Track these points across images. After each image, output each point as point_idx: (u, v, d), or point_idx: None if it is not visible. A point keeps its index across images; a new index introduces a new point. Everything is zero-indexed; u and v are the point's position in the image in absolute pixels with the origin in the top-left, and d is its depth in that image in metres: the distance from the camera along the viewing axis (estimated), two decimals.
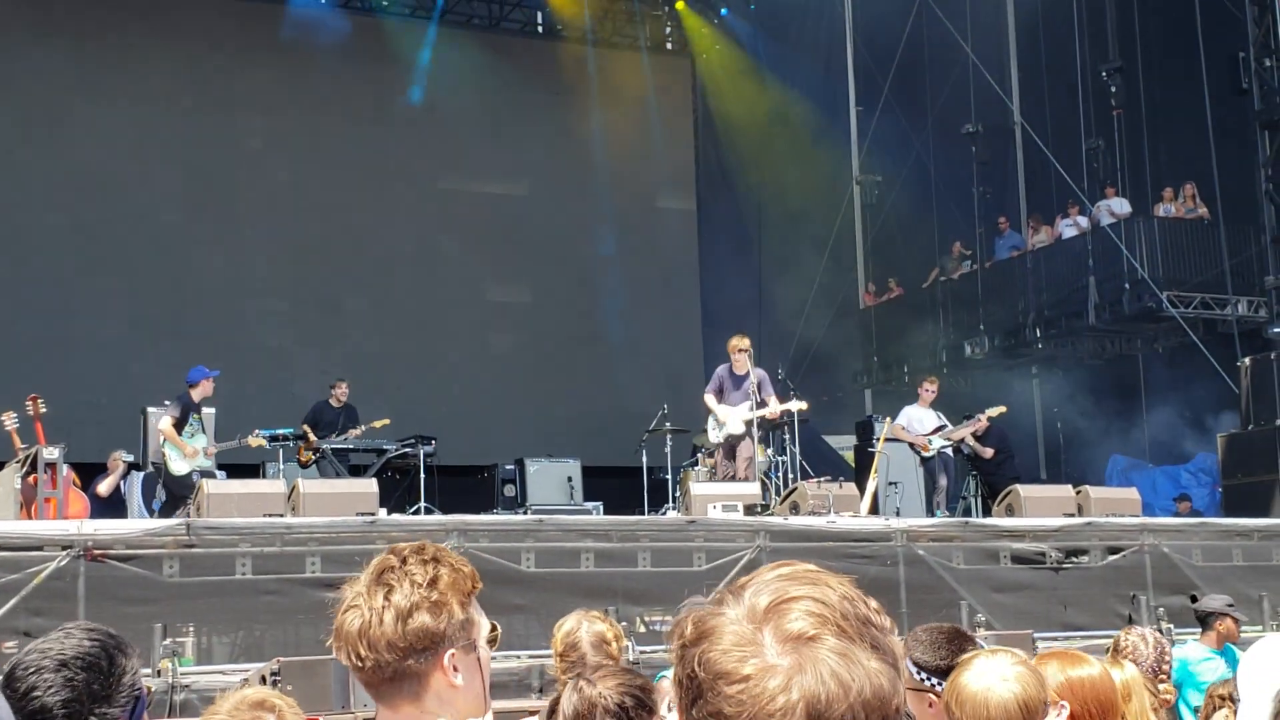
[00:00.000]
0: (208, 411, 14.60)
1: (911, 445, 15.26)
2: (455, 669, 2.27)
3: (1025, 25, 22.22)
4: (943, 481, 15.03)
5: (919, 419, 15.34)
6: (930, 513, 14.31)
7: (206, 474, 12.53)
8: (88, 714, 2.43)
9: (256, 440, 13.51)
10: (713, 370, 14.17)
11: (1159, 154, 20.07)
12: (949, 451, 15.28)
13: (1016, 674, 3.05)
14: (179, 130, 20.45)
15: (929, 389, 15.52)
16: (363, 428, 14.21)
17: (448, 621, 2.26)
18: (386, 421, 14.73)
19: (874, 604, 1.45)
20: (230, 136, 20.93)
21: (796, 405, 13.80)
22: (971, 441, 15.67)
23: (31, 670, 2.44)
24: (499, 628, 2.40)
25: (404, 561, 2.31)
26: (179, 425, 12.74)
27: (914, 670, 3.58)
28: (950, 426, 15.30)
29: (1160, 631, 10.77)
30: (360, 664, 2.26)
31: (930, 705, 3.48)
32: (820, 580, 1.43)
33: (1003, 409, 15.32)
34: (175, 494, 12.68)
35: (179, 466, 12.71)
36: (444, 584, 2.29)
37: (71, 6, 20.02)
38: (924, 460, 15.23)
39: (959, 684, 3.08)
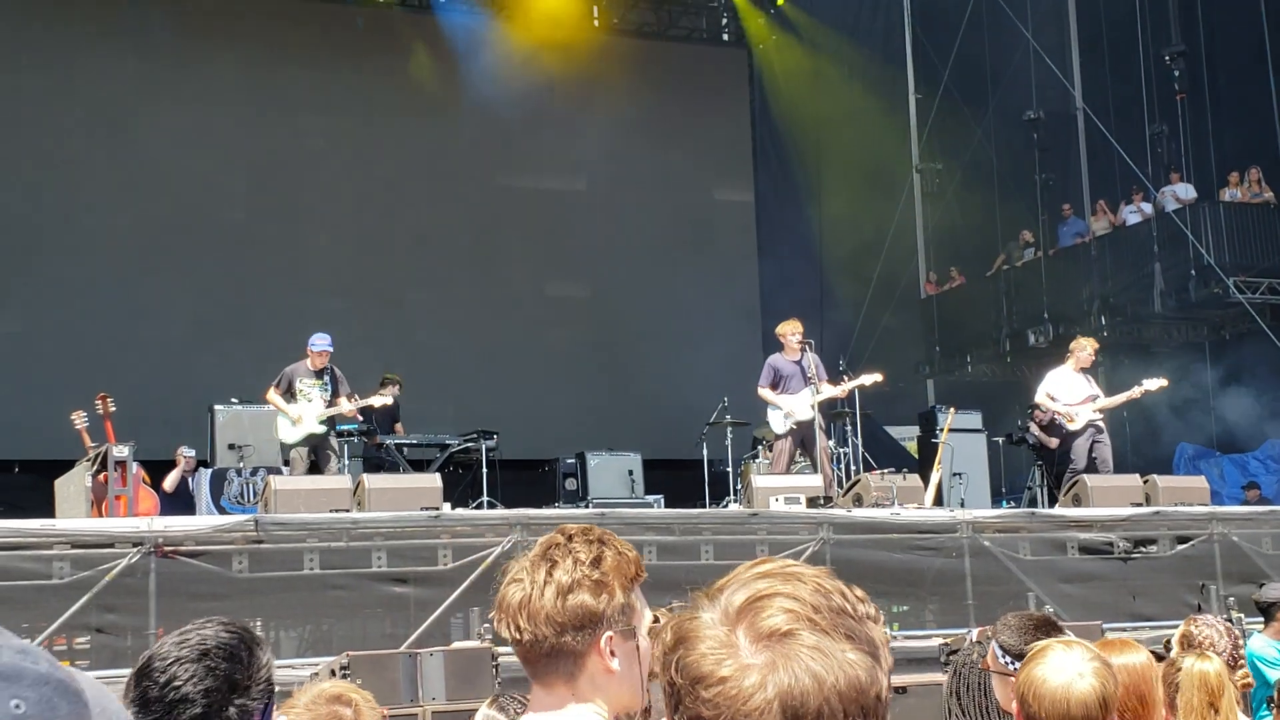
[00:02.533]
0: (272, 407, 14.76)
1: (1055, 419, 13.82)
2: (612, 653, 2.26)
3: (1086, 10, 21.99)
4: (1081, 464, 13.33)
5: (1067, 386, 13.64)
6: (1053, 500, 13.16)
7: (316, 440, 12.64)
8: (228, 704, 2.43)
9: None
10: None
11: (1223, 138, 19.81)
12: (1101, 424, 13.58)
13: (1094, 669, 3.05)
14: (242, 131, 20.66)
15: (1085, 353, 13.65)
16: (359, 401, 13.55)
17: (608, 603, 2.26)
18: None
19: (855, 593, 1.44)
20: (292, 136, 21.12)
21: (870, 378, 13.34)
22: (1037, 431, 15.48)
23: (171, 660, 2.43)
24: (662, 620, 2.38)
25: (569, 539, 2.32)
26: (286, 394, 12.73)
27: (1000, 653, 3.60)
28: (1103, 396, 13.77)
29: (1230, 621, 10.67)
30: (519, 636, 2.27)
31: (1013, 689, 3.48)
32: (794, 575, 1.43)
33: (1164, 382, 13.87)
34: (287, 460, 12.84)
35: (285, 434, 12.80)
36: (607, 565, 2.29)
37: (136, 10, 20.25)
38: (1067, 434, 13.68)
39: (1034, 677, 3.06)
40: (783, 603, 1.39)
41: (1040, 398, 13.91)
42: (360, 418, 13.88)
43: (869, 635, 1.40)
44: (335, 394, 12.82)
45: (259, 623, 9.10)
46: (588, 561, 2.28)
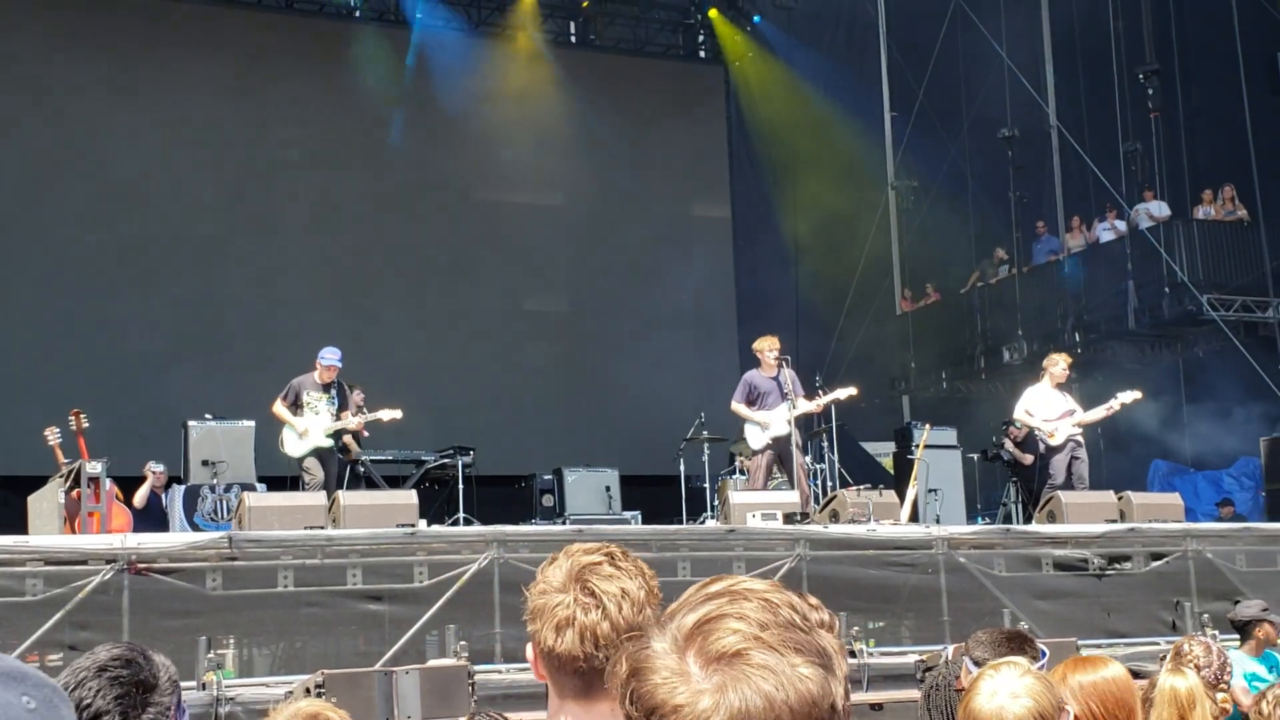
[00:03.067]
0: (247, 423, 14.72)
1: (1029, 436, 13.64)
2: None
3: (1061, 28, 22.12)
4: (1060, 480, 13.29)
5: (1044, 402, 13.63)
6: (1029, 517, 13.14)
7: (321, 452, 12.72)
8: (142, 707, 2.46)
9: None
10: None
11: (1197, 156, 19.94)
12: (1080, 438, 13.57)
13: (1026, 687, 3.03)
14: (216, 144, 20.59)
15: (1059, 368, 13.65)
16: (365, 416, 13.57)
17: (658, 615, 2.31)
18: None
19: (808, 602, 1.44)
20: (267, 150, 21.07)
21: (844, 392, 13.31)
22: (1012, 448, 15.51)
23: (73, 686, 2.46)
24: None
25: (613, 559, 2.35)
26: (293, 407, 12.74)
27: (972, 668, 3.61)
28: (1080, 411, 13.69)
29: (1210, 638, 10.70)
30: (596, 653, 2.25)
31: None
32: (740, 594, 1.43)
33: (1138, 395, 13.80)
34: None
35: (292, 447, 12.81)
36: (655, 582, 2.35)
37: (110, 21, 20.19)
38: (1049, 450, 13.55)
39: (971, 710, 3.06)
40: (730, 624, 1.39)
41: (1019, 414, 13.91)
42: (368, 433, 13.88)
43: (819, 646, 1.40)
44: (342, 408, 12.87)
45: (232, 640, 9.04)
46: (649, 576, 2.35)
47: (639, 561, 2.37)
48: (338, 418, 12.79)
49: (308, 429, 12.66)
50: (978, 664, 3.63)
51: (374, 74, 21.61)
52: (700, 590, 1.46)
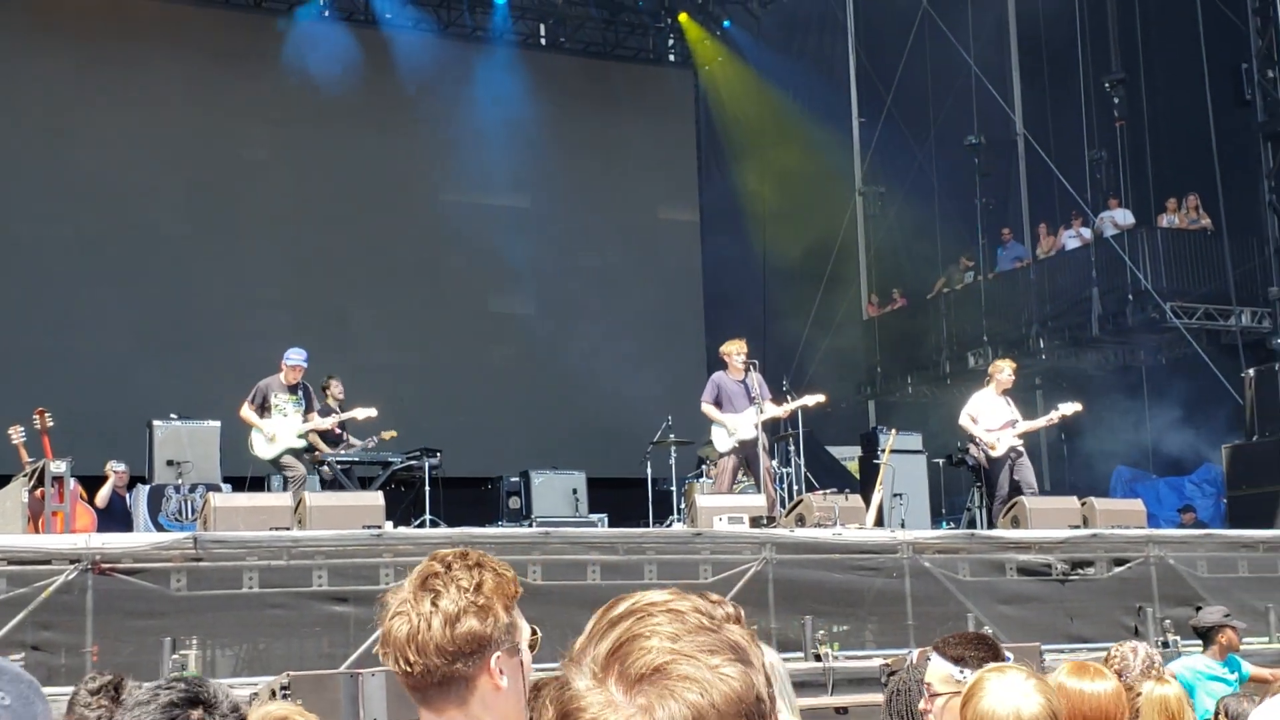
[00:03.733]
0: (212, 423, 14.67)
1: (975, 443, 13.68)
2: (501, 672, 2.31)
3: (1028, 36, 22.25)
4: (1003, 491, 13.29)
5: (989, 410, 13.60)
6: (992, 523, 13.18)
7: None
8: None
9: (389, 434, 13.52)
10: None
11: (1162, 165, 20.09)
12: (1020, 448, 13.52)
13: (1035, 685, 3.06)
14: (183, 141, 20.48)
15: (1005, 374, 13.64)
16: (372, 440, 13.96)
17: (494, 625, 2.30)
18: (394, 434, 14.46)
19: (710, 598, 1.46)
20: (234, 148, 20.96)
21: (813, 399, 13.35)
22: (976, 453, 15.59)
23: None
24: (539, 633, 2.44)
25: (449, 567, 2.34)
26: (260, 409, 12.74)
27: (953, 668, 3.62)
28: (1021, 420, 13.64)
29: (1166, 644, 10.80)
30: (409, 669, 2.29)
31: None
32: (643, 611, 1.44)
33: (1078, 407, 13.90)
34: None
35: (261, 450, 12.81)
36: (489, 588, 2.33)
37: (76, 17, 20.05)
38: (991, 461, 13.51)
39: (982, 710, 3.06)
40: (642, 643, 1.40)
41: (963, 420, 13.88)
42: (339, 430, 13.87)
43: (732, 641, 1.41)
44: (309, 409, 12.87)
45: (195, 641, 9.00)
46: (470, 588, 2.31)
47: (478, 572, 2.35)
48: (305, 418, 12.75)
49: (275, 433, 12.63)
50: (958, 662, 3.65)
51: (343, 74, 21.53)
52: (604, 617, 1.46)
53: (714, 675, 1.38)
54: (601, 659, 1.41)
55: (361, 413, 13.19)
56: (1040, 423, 14.10)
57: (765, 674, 1.43)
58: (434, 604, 2.29)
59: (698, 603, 1.45)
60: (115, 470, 14.57)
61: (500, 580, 2.35)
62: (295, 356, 12.88)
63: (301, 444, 12.84)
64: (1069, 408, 13.87)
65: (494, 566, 2.37)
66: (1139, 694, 4.44)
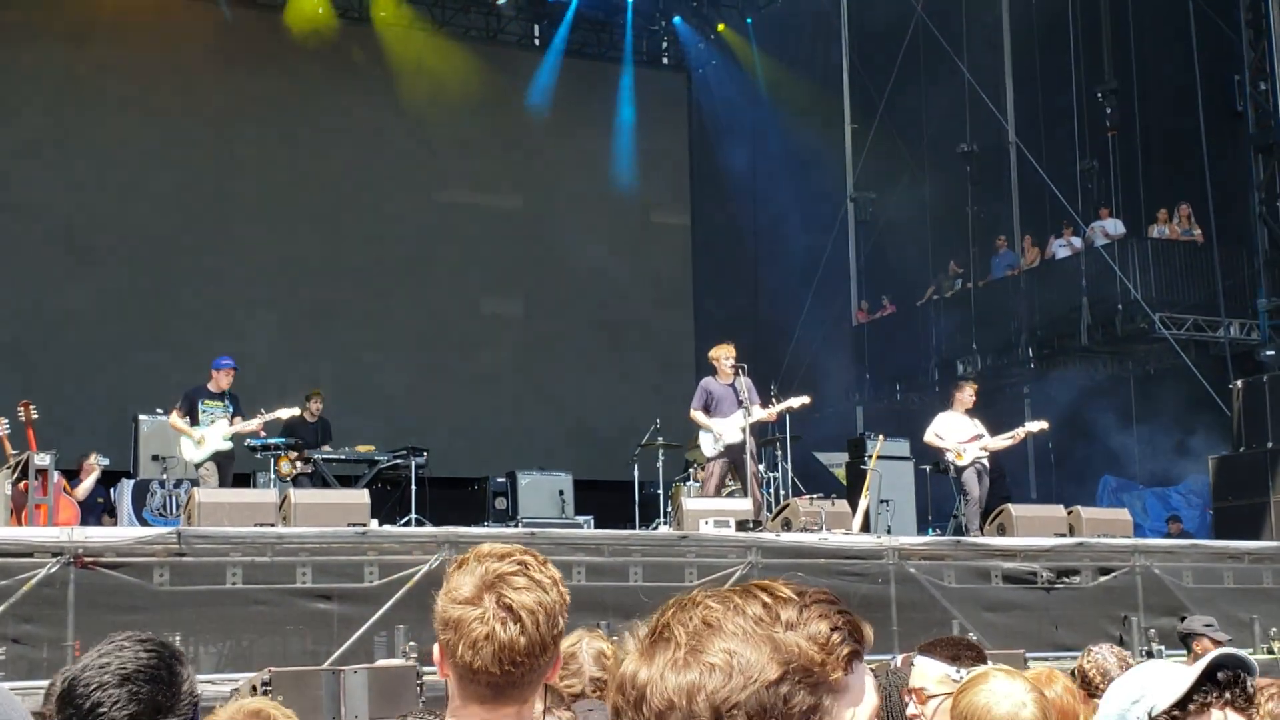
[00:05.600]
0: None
1: (942, 455, 14.15)
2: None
3: (1021, 46, 22.25)
4: (975, 493, 13.79)
5: (954, 426, 14.15)
6: (965, 530, 13.47)
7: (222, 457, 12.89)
8: None
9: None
10: None
11: (1153, 176, 20.09)
12: (985, 462, 13.99)
13: (1034, 699, 3.07)
14: (173, 138, 20.44)
15: (966, 394, 14.27)
16: (263, 416, 13.89)
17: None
18: (371, 449, 14.85)
19: (785, 604, 1.47)
20: (225, 145, 20.93)
21: (798, 401, 13.35)
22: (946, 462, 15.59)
23: (94, 686, 2.44)
24: None
25: (526, 569, 2.31)
26: (188, 416, 12.96)
27: (948, 668, 3.61)
28: (987, 436, 14.08)
29: (1151, 653, 10.79)
30: (512, 668, 2.25)
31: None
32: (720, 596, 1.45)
33: (1044, 425, 14.49)
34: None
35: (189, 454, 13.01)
36: (564, 587, 2.35)
37: (67, 13, 19.99)
38: (958, 469, 13.99)
39: (976, 705, 3.05)
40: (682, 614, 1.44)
41: (928, 437, 14.27)
42: (264, 433, 13.87)
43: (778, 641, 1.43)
44: (236, 414, 13.10)
45: (178, 636, 8.95)
46: (559, 581, 2.33)
47: (550, 568, 2.34)
48: (232, 423, 12.97)
49: (204, 437, 12.88)
50: (954, 661, 3.64)
51: (335, 73, 21.50)
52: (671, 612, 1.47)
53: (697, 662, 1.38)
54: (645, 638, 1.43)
55: (285, 412, 13.33)
56: (1005, 440, 14.32)
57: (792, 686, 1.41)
58: (539, 603, 2.26)
59: (768, 599, 1.45)
60: (100, 464, 14.53)
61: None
62: (225, 362, 13.20)
63: (229, 446, 13.04)
64: (1035, 425, 14.32)
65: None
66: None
